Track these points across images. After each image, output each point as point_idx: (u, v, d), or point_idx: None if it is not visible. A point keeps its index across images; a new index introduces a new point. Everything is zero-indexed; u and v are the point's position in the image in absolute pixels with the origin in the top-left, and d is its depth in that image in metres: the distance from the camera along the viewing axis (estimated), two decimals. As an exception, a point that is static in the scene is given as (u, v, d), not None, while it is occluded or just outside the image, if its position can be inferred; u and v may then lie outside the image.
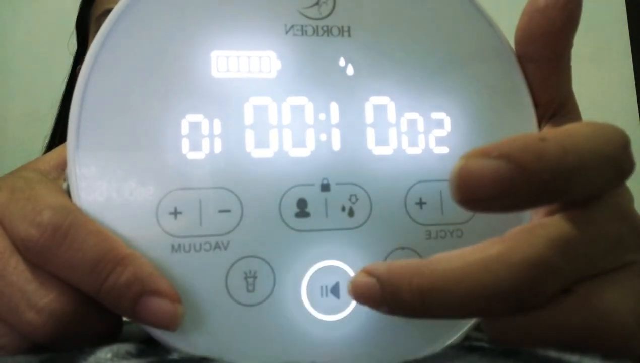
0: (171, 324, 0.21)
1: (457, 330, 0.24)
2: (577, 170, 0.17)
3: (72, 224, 0.21)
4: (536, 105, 0.25)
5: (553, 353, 0.17)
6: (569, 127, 0.18)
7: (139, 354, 0.21)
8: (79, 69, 0.23)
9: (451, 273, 0.17)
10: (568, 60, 0.24)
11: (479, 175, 0.16)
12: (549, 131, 0.18)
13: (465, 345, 0.23)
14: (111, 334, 0.23)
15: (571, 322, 0.18)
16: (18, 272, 0.21)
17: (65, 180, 0.23)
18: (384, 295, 0.18)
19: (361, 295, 0.19)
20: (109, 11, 0.23)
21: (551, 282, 0.17)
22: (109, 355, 0.20)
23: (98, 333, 0.22)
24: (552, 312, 0.18)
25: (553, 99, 0.25)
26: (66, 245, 0.20)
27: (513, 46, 0.26)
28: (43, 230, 0.20)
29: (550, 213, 0.19)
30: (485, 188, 0.16)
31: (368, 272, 0.19)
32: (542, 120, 0.25)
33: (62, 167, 0.25)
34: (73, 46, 0.62)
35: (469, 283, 0.17)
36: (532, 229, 0.18)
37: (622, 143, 0.18)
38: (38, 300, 0.21)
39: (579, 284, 0.18)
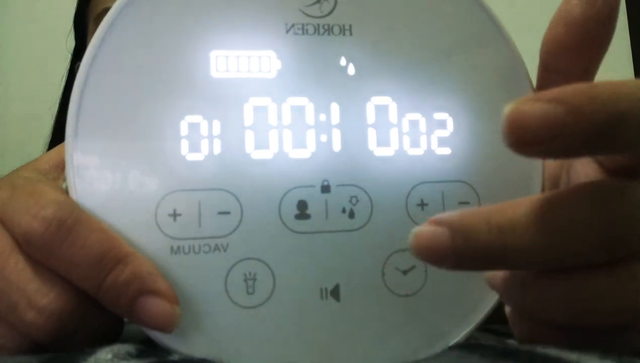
0: (167, 325, 0.21)
1: (459, 331, 0.24)
2: (629, 116, 0.16)
3: (77, 220, 0.21)
4: None
5: (552, 352, 0.17)
6: (618, 80, 0.17)
7: (139, 355, 0.21)
8: (78, 66, 0.23)
9: (538, 210, 0.17)
10: (595, 75, 0.23)
11: (529, 117, 0.16)
12: (601, 80, 0.17)
13: (465, 345, 0.23)
14: (112, 334, 0.23)
15: (622, 294, 0.17)
16: (18, 271, 0.21)
17: (64, 180, 0.23)
18: (454, 243, 0.17)
19: (426, 246, 0.18)
20: (107, 10, 0.23)
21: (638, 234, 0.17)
22: (109, 356, 0.20)
23: (98, 333, 0.22)
24: (612, 278, 0.17)
25: None
26: (70, 241, 0.20)
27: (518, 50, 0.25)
28: (47, 224, 0.20)
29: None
30: (537, 130, 0.16)
31: (435, 222, 0.18)
32: None
33: (61, 166, 0.25)
34: (71, 44, 0.62)
35: (556, 218, 0.17)
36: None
37: None
38: (38, 299, 0.20)
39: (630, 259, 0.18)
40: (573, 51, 0.22)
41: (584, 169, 0.24)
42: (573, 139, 0.16)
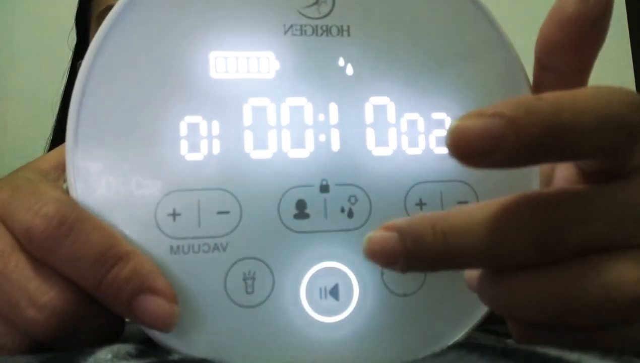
0: (166, 324, 0.21)
1: (458, 331, 0.24)
2: (572, 127, 0.17)
3: (79, 218, 0.21)
4: None
5: (552, 352, 0.17)
6: (573, 90, 0.18)
7: (138, 355, 0.21)
8: (79, 64, 0.23)
9: (478, 216, 0.18)
10: (589, 73, 0.23)
11: (470, 131, 0.16)
12: (550, 92, 0.18)
13: (464, 345, 0.23)
14: (112, 334, 0.23)
15: (581, 288, 0.18)
16: (19, 270, 0.21)
17: (65, 181, 0.23)
18: (403, 245, 0.18)
19: (377, 250, 0.19)
20: (110, 7, 0.24)
21: (571, 231, 0.18)
22: (109, 356, 0.20)
23: (99, 332, 0.22)
24: (568, 275, 0.18)
25: None
26: (72, 238, 0.20)
27: (512, 48, 0.25)
28: (49, 221, 0.20)
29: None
30: (478, 143, 0.16)
31: (386, 228, 0.19)
32: None
33: (62, 167, 0.25)
34: (73, 41, 0.62)
35: (492, 224, 0.18)
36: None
37: (631, 101, 0.17)
38: (39, 297, 0.21)
39: (592, 254, 0.18)
40: (567, 49, 0.22)
41: (562, 172, 0.24)
42: (514, 151, 0.16)
